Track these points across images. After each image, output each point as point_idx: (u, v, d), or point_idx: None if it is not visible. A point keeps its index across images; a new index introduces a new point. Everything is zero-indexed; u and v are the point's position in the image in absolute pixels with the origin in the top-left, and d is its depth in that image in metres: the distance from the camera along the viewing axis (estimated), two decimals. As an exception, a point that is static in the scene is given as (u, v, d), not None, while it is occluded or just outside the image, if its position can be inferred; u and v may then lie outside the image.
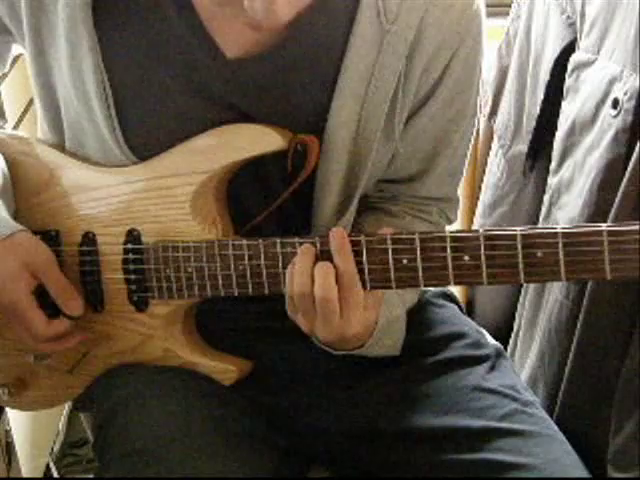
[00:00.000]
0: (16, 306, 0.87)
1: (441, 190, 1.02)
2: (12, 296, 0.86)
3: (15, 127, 1.34)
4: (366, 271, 0.79)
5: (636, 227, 0.68)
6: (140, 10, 0.87)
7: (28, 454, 1.41)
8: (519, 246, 0.72)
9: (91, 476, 1.58)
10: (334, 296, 0.78)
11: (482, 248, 0.74)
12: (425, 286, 0.78)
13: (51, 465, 1.52)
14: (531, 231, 0.72)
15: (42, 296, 0.89)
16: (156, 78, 0.88)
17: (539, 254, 0.71)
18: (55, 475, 1.53)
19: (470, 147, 1.02)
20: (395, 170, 0.98)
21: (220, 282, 0.87)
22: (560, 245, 0.71)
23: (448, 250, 0.75)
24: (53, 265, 0.90)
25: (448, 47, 0.89)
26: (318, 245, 0.81)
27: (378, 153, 0.91)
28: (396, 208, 1.01)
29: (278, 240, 0.83)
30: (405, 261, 0.77)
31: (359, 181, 0.91)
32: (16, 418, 1.31)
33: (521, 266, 0.73)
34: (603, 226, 0.69)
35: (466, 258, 0.75)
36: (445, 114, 0.94)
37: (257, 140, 0.86)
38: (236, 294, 0.87)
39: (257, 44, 0.87)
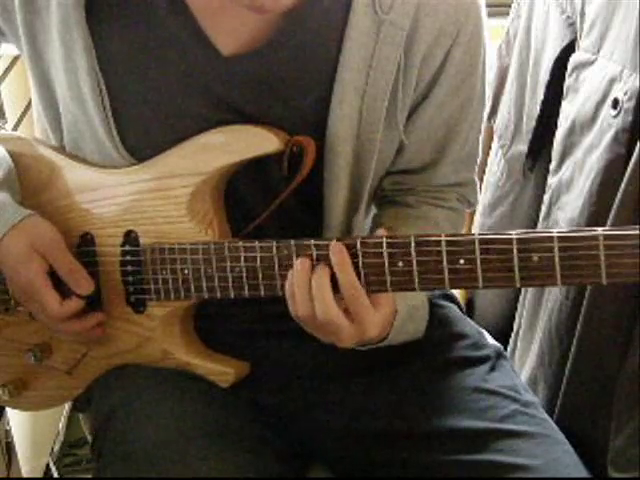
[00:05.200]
0: (31, 287, 0.87)
1: (457, 176, 1.01)
2: (27, 276, 0.87)
3: (15, 127, 1.34)
4: (362, 275, 0.79)
5: (633, 232, 0.67)
6: (133, 9, 0.86)
7: (28, 454, 1.41)
8: (515, 250, 0.72)
9: (91, 476, 1.58)
10: (336, 315, 0.78)
11: (477, 252, 0.74)
12: (421, 290, 0.77)
13: (51, 465, 1.53)
14: (527, 235, 0.72)
15: (56, 277, 0.89)
16: (152, 78, 0.88)
17: (535, 258, 0.71)
18: (55, 475, 1.54)
19: (482, 131, 1.01)
20: (407, 160, 0.98)
21: (216, 284, 0.87)
22: (556, 249, 0.70)
23: (444, 254, 0.75)
24: (60, 245, 0.89)
25: (447, 35, 0.88)
26: (314, 250, 0.80)
27: (382, 144, 0.91)
28: (413, 199, 1.00)
29: (274, 243, 0.83)
30: (401, 264, 0.77)
31: (367, 173, 0.91)
32: (16, 418, 1.32)
33: (517, 270, 0.72)
34: (599, 230, 0.69)
35: (462, 262, 0.74)
36: (452, 102, 0.94)
37: (253, 142, 0.86)
38: (232, 296, 0.86)
39: (252, 40, 0.87)
